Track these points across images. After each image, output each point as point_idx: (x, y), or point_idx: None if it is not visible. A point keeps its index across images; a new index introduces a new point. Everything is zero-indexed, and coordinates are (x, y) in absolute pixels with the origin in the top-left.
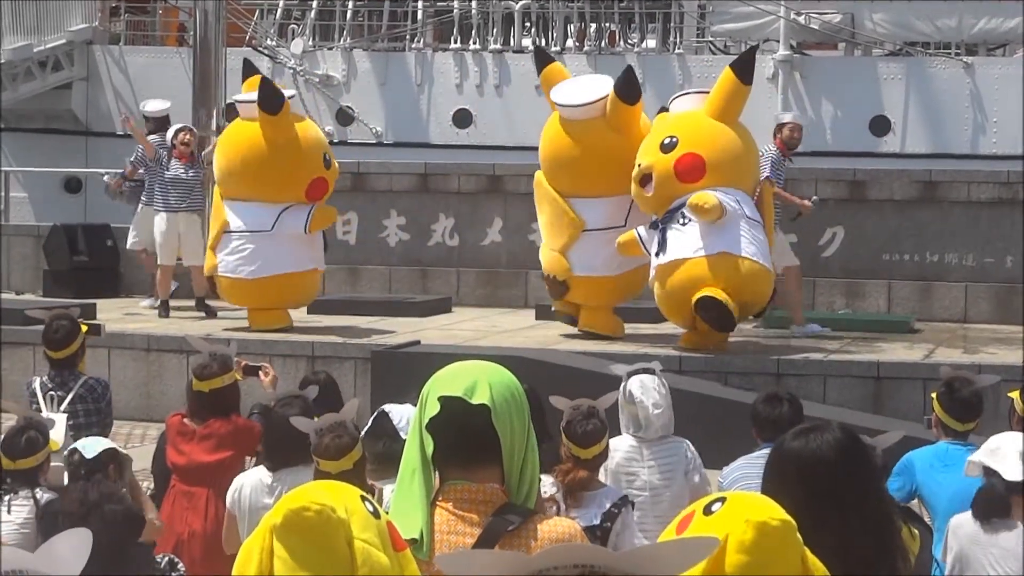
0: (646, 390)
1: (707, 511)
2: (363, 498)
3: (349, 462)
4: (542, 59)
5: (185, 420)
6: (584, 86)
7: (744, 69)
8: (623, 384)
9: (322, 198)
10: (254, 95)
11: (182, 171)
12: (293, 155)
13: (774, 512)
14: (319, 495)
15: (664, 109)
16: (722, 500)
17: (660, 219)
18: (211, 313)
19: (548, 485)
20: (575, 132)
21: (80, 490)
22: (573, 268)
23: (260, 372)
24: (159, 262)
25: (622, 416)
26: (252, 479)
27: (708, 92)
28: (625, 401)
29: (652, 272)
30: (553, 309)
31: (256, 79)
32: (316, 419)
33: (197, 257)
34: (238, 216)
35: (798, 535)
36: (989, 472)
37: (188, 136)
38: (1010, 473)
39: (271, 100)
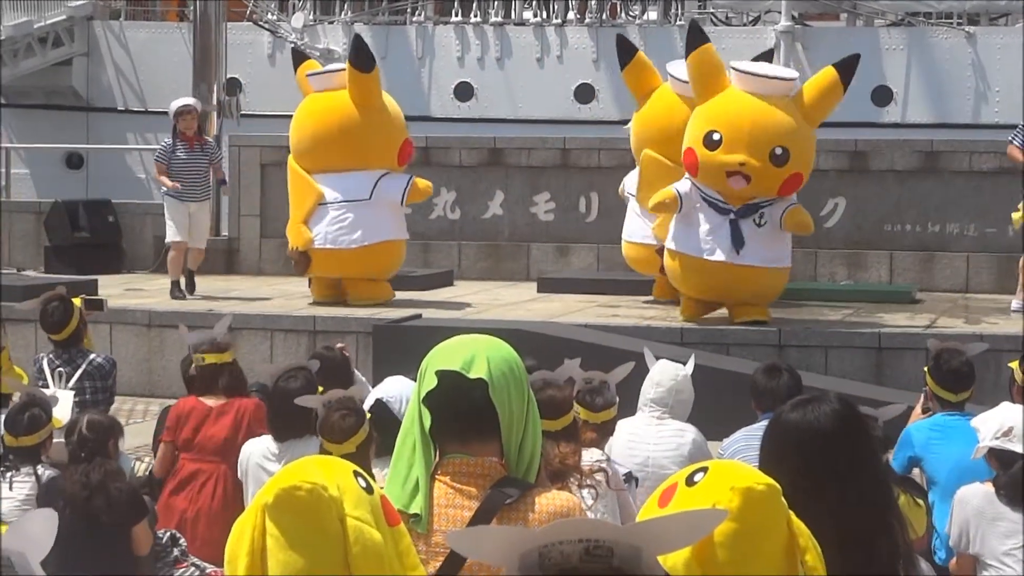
0: (664, 372)
1: (690, 482)
2: (356, 474)
3: (352, 445)
4: (627, 50)
5: (201, 399)
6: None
7: (846, 74)
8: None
9: (408, 162)
10: (332, 66)
11: (185, 156)
12: (386, 119)
13: (758, 478)
14: (311, 473)
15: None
16: (704, 470)
17: (736, 209)
18: (192, 289)
19: (598, 454)
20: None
21: (82, 472)
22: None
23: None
24: (168, 239)
25: (641, 396)
26: (260, 447)
27: (772, 74)
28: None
29: (713, 257)
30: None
31: (311, 63)
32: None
33: (202, 240)
34: (333, 187)
35: (783, 499)
36: (1003, 455)
37: (191, 118)
38: None
39: (366, 59)
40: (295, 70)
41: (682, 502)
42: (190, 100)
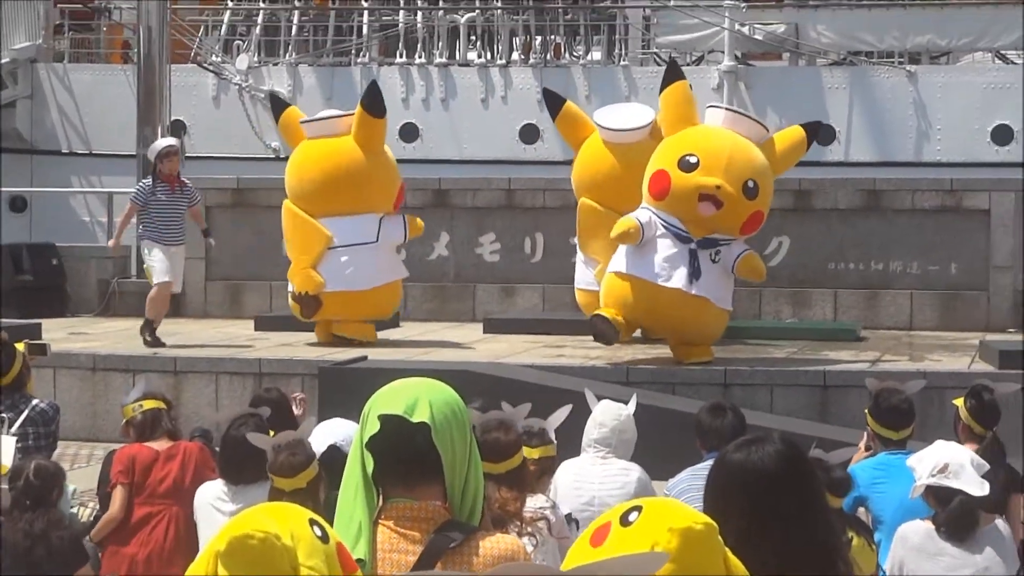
0: (607, 412)
1: (624, 521)
2: (312, 522)
3: (303, 480)
4: (555, 101)
5: (146, 443)
6: (628, 113)
7: (813, 136)
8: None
9: (401, 205)
10: (327, 113)
11: (165, 198)
12: (387, 162)
13: (695, 517)
14: (264, 521)
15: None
16: (638, 509)
17: (696, 240)
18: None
19: (543, 500)
20: (620, 153)
21: (26, 521)
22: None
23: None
24: (156, 280)
25: (585, 436)
26: (213, 489)
27: (752, 119)
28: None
29: (668, 283)
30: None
31: (294, 110)
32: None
33: (178, 284)
34: (339, 230)
35: (719, 538)
36: (940, 492)
37: (175, 160)
38: (976, 489)
39: (380, 105)
40: (276, 117)
41: (617, 542)
42: (173, 140)
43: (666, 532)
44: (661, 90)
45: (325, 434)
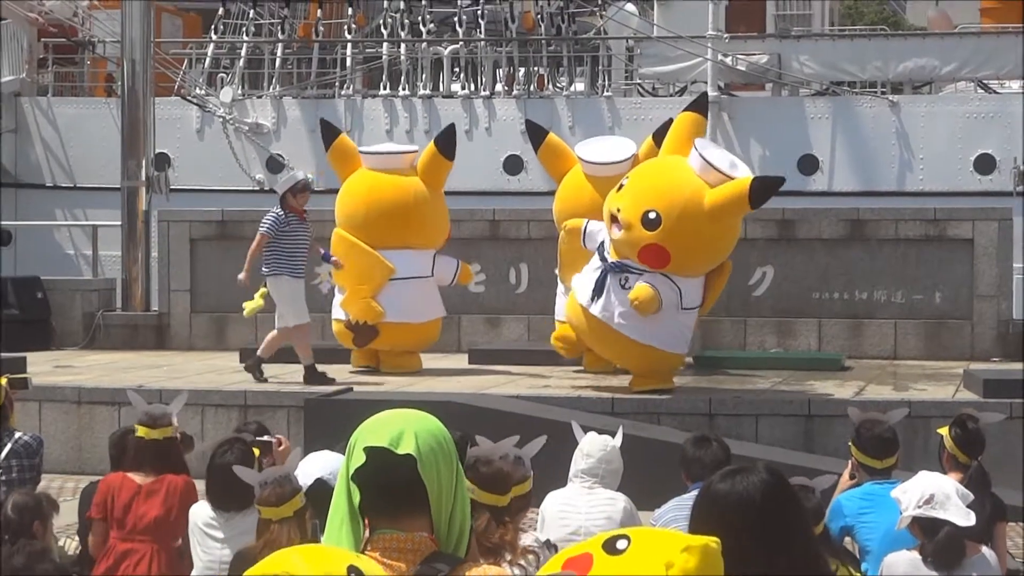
0: (593, 443)
1: (612, 550)
2: (352, 569)
3: (289, 510)
4: (537, 133)
5: (129, 475)
6: (610, 146)
7: (758, 195)
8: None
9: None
10: (389, 147)
11: (298, 230)
12: (444, 203)
13: (699, 538)
14: (297, 564)
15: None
16: (625, 538)
17: (611, 261)
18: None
19: (531, 539)
20: (602, 186)
21: (5, 556)
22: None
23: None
24: (295, 322)
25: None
26: (203, 512)
27: (710, 159)
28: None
29: (581, 303)
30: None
31: (344, 138)
32: (259, 470)
33: (303, 316)
34: (396, 263)
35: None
36: (926, 523)
37: (308, 195)
38: (962, 520)
39: (452, 147)
40: (327, 143)
41: (609, 570)
42: (304, 174)
43: (680, 553)
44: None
45: (312, 467)
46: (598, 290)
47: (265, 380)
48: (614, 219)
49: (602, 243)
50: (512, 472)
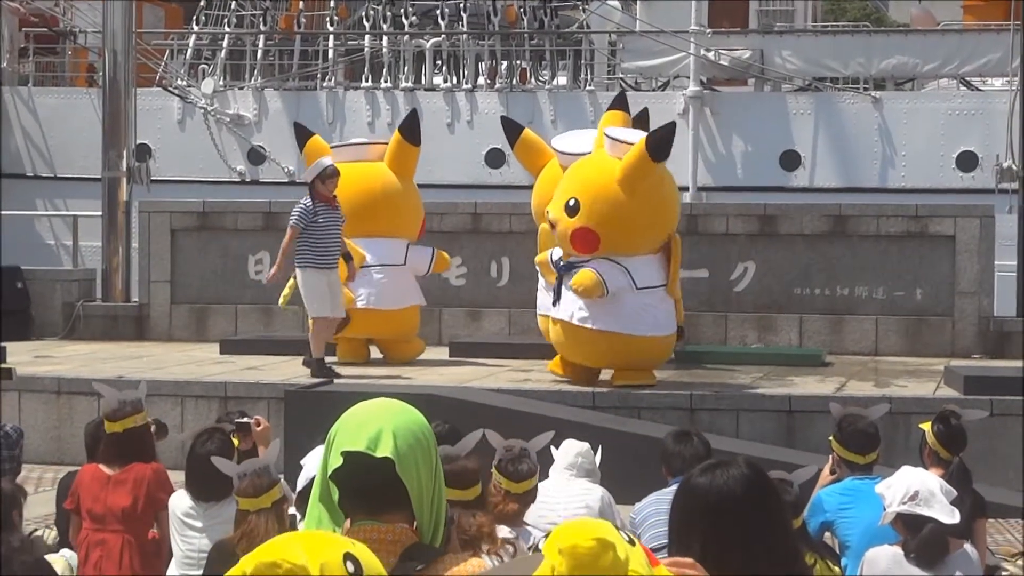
0: (571, 444)
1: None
2: (347, 556)
3: (267, 500)
4: (513, 129)
5: (100, 466)
6: (585, 137)
7: (656, 147)
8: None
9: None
10: (357, 140)
11: (327, 220)
12: (416, 192)
13: (587, 535)
14: (294, 552)
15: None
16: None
17: (561, 266)
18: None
19: (507, 531)
20: None
21: None
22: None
23: (251, 424)
24: (314, 315)
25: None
26: (182, 503)
27: (619, 137)
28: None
29: (545, 313)
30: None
31: (317, 138)
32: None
33: (341, 309)
34: (369, 250)
35: (619, 554)
36: (910, 520)
37: (337, 180)
38: (946, 517)
39: (416, 133)
40: (300, 145)
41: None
42: (331, 160)
43: (555, 554)
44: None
45: (312, 464)
46: (557, 295)
47: (338, 376)
48: (552, 225)
49: (556, 262)
50: (477, 468)
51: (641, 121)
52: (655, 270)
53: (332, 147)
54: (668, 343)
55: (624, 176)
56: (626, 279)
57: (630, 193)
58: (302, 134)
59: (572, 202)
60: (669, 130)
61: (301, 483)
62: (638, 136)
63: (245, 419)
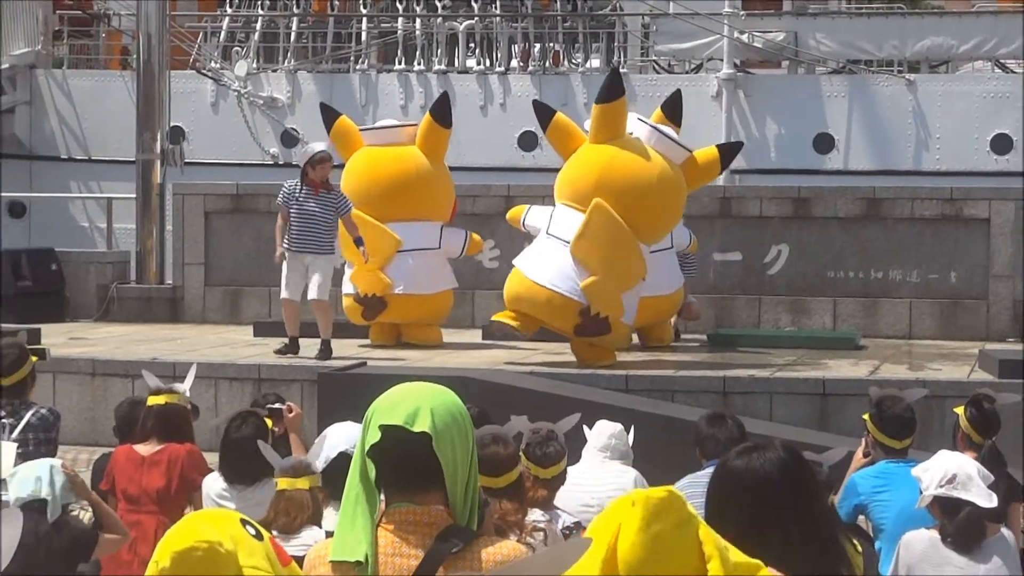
0: (603, 425)
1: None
2: (243, 522)
3: (305, 483)
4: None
5: (134, 447)
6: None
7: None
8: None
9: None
10: (387, 122)
11: (310, 203)
12: (447, 175)
13: (656, 491)
14: (203, 531)
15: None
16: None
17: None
18: (329, 355)
19: (539, 514)
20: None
21: (32, 521)
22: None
23: (284, 410)
24: (281, 295)
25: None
26: (215, 485)
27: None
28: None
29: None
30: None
31: (345, 119)
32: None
33: (322, 292)
34: (403, 235)
35: (688, 507)
36: (947, 503)
37: (328, 166)
38: (984, 501)
39: (447, 115)
40: (327, 126)
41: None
42: (324, 146)
43: (628, 507)
44: (599, 101)
45: (336, 438)
46: (542, 260)
47: (294, 352)
48: None
49: (550, 218)
50: (509, 455)
51: (674, 103)
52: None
53: (362, 130)
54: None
55: (695, 178)
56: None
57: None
58: (329, 115)
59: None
60: (735, 147)
61: (321, 461)
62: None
63: (277, 405)
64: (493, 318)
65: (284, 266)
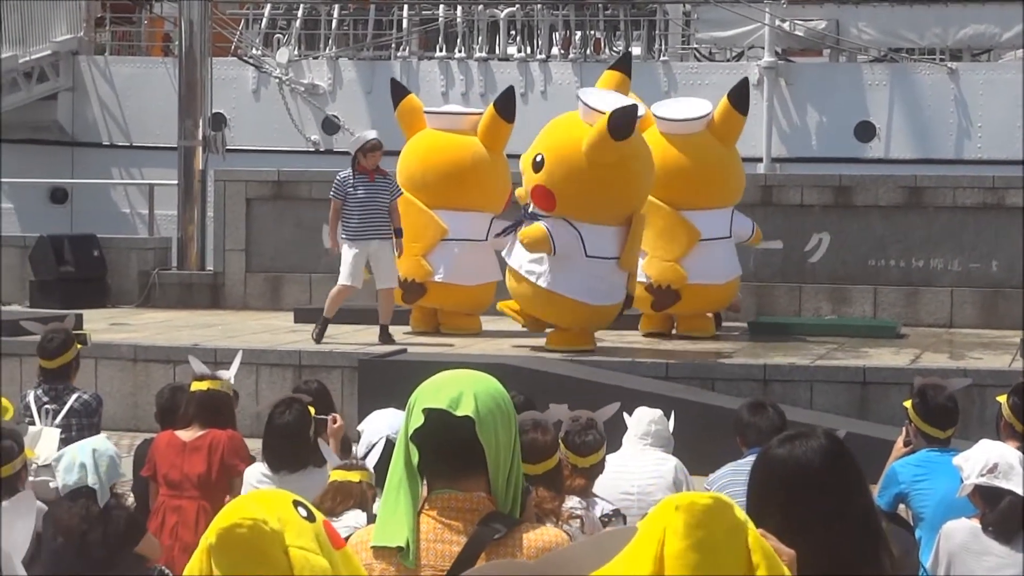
0: (643, 412)
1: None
2: (296, 503)
3: (357, 476)
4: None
5: (176, 433)
6: (685, 104)
7: (616, 127)
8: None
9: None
10: (452, 108)
11: (361, 192)
12: (505, 167)
13: (701, 496)
14: (250, 509)
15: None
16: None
17: (525, 214)
18: (391, 341)
19: (576, 501)
20: (683, 146)
21: (80, 506)
22: (689, 277)
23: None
24: (340, 282)
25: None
26: (256, 472)
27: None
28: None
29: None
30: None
31: (412, 97)
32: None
33: (390, 280)
34: (452, 224)
35: (736, 513)
36: (988, 492)
37: (379, 155)
38: None
39: (512, 109)
40: (395, 102)
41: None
42: (375, 134)
43: (671, 511)
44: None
45: (379, 423)
46: (512, 244)
47: (316, 339)
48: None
49: (524, 205)
50: (548, 442)
51: (741, 90)
52: (610, 241)
53: (426, 111)
54: (610, 312)
55: (586, 149)
56: (577, 244)
57: (592, 167)
58: (398, 92)
59: (539, 158)
60: (631, 111)
61: (362, 447)
62: (614, 104)
63: (322, 416)
64: (499, 306)
65: (346, 254)
